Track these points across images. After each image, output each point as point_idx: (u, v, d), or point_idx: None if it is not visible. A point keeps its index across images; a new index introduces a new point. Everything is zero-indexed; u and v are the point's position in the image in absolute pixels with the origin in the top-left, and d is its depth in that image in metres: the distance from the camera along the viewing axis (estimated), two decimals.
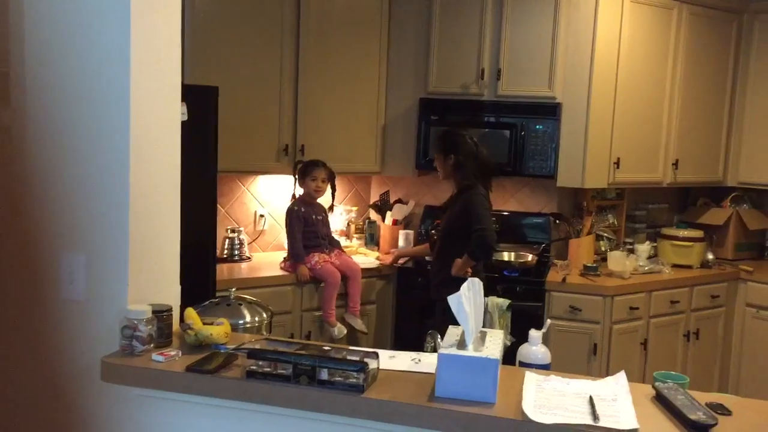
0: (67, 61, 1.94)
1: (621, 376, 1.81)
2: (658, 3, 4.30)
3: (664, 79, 4.41)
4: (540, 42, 4.13)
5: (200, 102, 3.10)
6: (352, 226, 4.65)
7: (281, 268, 3.97)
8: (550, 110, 4.13)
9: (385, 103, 4.45)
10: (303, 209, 3.98)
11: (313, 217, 3.99)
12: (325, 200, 4.15)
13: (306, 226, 3.96)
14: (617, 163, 4.25)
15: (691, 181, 4.72)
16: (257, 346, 1.86)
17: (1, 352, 2.10)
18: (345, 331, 3.90)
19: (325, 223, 4.10)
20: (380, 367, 1.81)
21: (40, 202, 2.00)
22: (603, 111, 4.17)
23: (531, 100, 4.16)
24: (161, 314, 1.94)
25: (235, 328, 2.16)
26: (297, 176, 4.02)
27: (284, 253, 4.11)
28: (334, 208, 4.31)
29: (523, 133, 4.15)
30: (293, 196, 4.11)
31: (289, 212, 3.99)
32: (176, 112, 2.08)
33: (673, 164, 4.52)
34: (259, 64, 3.95)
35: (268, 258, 4.26)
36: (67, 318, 1.98)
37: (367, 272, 4.11)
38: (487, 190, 3.59)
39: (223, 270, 3.82)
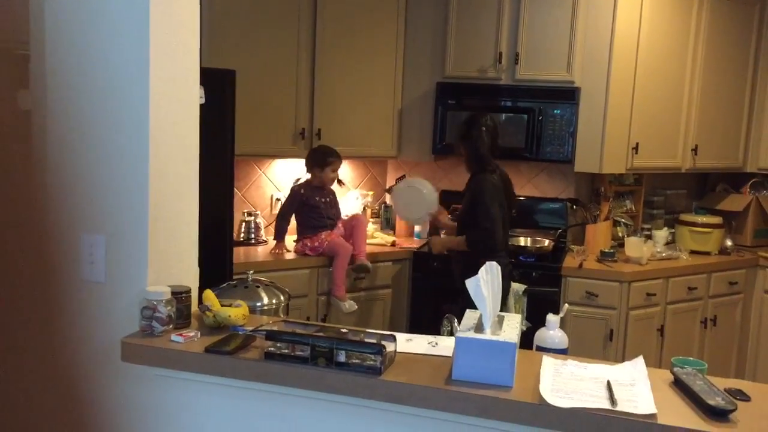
0: (86, 43, 1.95)
1: (639, 361, 1.81)
2: None
3: (684, 64, 4.36)
4: (559, 25, 4.09)
5: (217, 85, 3.10)
6: (368, 211, 4.65)
7: (295, 251, 3.98)
8: (568, 95, 4.10)
9: (402, 87, 4.44)
10: (303, 191, 3.99)
11: (317, 198, 3.99)
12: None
13: (309, 210, 3.97)
14: (636, 149, 4.22)
15: (711, 167, 4.68)
16: (275, 328, 1.87)
17: (23, 332, 2.13)
18: (355, 307, 3.87)
19: (333, 205, 4.09)
20: (397, 350, 1.81)
21: (60, 184, 2.01)
22: (622, 95, 4.13)
23: (549, 84, 4.13)
24: (180, 295, 1.95)
25: (252, 310, 2.18)
26: (312, 163, 4.00)
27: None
28: (350, 191, 4.31)
29: (540, 117, 4.13)
30: (297, 180, 4.10)
31: (293, 193, 4.00)
32: (195, 95, 2.09)
33: (692, 150, 4.47)
34: (276, 47, 3.94)
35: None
36: (87, 299, 2.00)
37: (383, 256, 4.12)
38: (498, 173, 3.52)
39: (239, 253, 3.84)
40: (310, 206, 3.97)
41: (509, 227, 3.68)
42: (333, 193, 4.11)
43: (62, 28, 1.97)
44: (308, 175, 4.05)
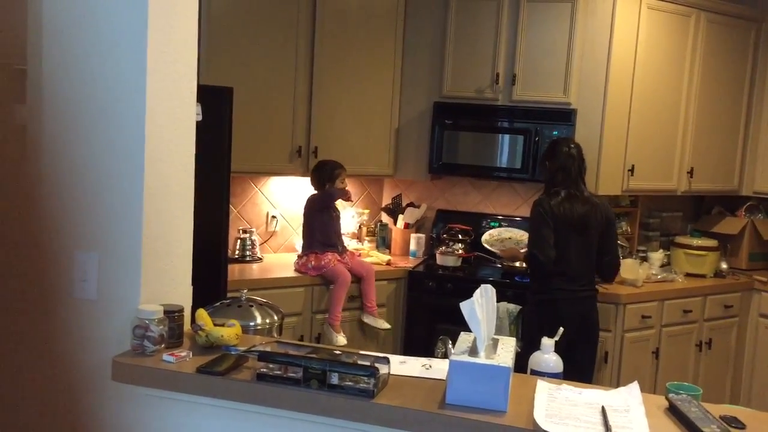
0: (83, 59, 1.95)
1: (634, 387, 1.80)
2: (676, 10, 4.27)
3: (680, 87, 4.38)
4: (555, 48, 4.11)
5: (215, 102, 3.10)
6: (364, 229, 4.64)
7: (297, 268, 3.96)
8: (564, 116, 4.11)
9: (399, 106, 4.44)
10: (321, 195, 3.99)
11: (334, 213, 4.00)
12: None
13: (321, 224, 3.97)
14: (631, 171, 4.22)
15: (706, 189, 4.68)
16: (268, 349, 1.85)
17: (14, 349, 2.11)
18: (345, 342, 3.84)
19: (339, 222, 4.11)
20: (391, 373, 1.80)
21: (54, 200, 2.00)
22: (618, 118, 4.15)
23: (546, 105, 4.14)
24: (173, 314, 1.94)
25: (246, 329, 2.16)
26: (322, 178, 3.99)
27: (295, 255, 4.11)
28: (346, 209, 4.31)
29: (537, 138, 4.13)
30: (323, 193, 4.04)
31: (312, 199, 3.98)
32: (191, 112, 2.08)
33: (688, 172, 4.48)
34: (274, 65, 3.95)
35: (279, 259, 4.26)
36: (79, 317, 1.99)
37: (377, 275, 4.10)
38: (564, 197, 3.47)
39: (234, 270, 3.82)
40: (333, 220, 3.98)
41: (582, 253, 3.48)
42: (338, 210, 4.10)
43: (59, 44, 1.97)
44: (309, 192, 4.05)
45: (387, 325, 4.01)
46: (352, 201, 4.28)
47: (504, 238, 4.16)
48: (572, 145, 3.57)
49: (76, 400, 2.01)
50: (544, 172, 3.63)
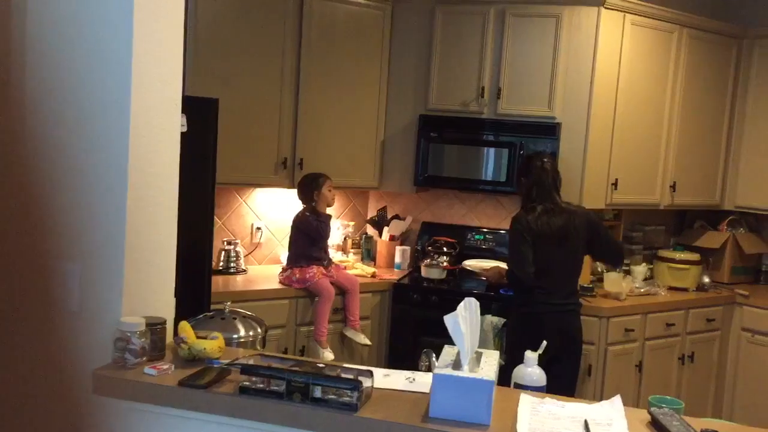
0: (67, 70, 1.94)
1: (616, 400, 1.80)
2: (659, 26, 4.32)
3: (663, 102, 4.42)
4: (540, 62, 4.14)
5: (200, 114, 3.10)
6: (349, 241, 4.64)
7: (281, 281, 3.95)
8: (549, 130, 4.13)
9: (385, 119, 4.46)
10: (317, 221, 3.96)
11: (321, 224, 3.98)
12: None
13: (317, 238, 3.95)
14: (615, 184, 4.25)
15: (689, 203, 4.73)
16: (251, 362, 1.84)
17: None
18: (332, 357, 3.81)
19: (328, 233, 4.09)
20: (374, 386, 1.79)
21: (37, 211, 1.99)
22: (602, 132, 4.18)
23: (530, 119, 4.17)
24: (155, 327, 1.92)
25: (228, 342, 2.15)
26: (308, 189, 3.97)
27: (279, 267, 4.10)
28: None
29: (522, 152, 4.15)
30: (310, 208, 4.00)
31: (306, 220, 3.95)
32: (176, 123, 2.08)
33: (670, 186, 4.52)
34: (259, 77, 3.96)
35: (263, 271, 4.25)
36: (60, 328, 1.97)
37: (362, 287, 4.09)
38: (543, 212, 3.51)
39: (218, 282, 3.80)
40: (321, 236, 3.97)
41: (564, 266, 3.54)
42: (327, 219, 4.05)
43: (43, 54, 1.96)
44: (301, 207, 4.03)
45: (368, 341, 4.00)
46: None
47: (485, 268, 4.19)
48: (545, 159, 3.61)
49: (57, 413, 1.99)
50: (521, 188, 3.65)
